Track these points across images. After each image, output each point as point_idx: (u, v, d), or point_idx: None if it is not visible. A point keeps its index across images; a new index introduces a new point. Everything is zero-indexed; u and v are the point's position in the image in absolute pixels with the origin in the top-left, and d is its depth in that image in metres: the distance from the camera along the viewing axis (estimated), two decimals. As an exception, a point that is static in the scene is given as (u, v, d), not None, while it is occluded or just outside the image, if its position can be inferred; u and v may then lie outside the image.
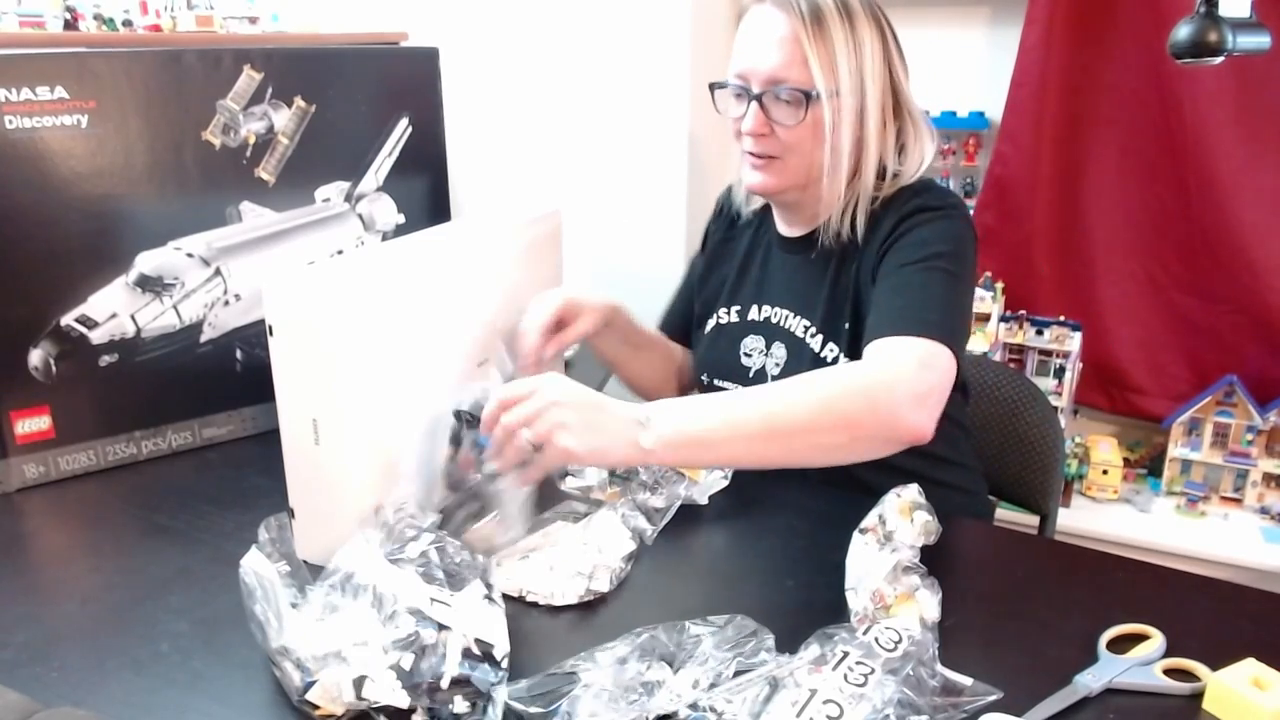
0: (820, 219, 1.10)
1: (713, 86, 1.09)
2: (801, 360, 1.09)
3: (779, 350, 1.13)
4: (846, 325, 1.07)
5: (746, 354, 1.15)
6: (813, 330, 1.10)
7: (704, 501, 1.04)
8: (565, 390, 0.85)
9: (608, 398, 0.86)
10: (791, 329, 1.12)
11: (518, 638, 0.77)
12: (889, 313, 0.97)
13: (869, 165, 1.05)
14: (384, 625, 0.71)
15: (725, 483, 1.05)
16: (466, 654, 0.71)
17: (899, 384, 0.87)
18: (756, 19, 1.04)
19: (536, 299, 1.08)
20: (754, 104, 1.03)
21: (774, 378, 1.11)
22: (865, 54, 1.02)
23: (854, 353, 1.04)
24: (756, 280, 1.18)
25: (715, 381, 1.18)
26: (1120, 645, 0.79)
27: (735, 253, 1.22)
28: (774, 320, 1.14)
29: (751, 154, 1.06)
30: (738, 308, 1.19)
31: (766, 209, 1.20)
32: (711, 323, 1.21)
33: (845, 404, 0.85)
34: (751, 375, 1.15)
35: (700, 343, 1.23)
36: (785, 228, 1.16)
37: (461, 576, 0.77)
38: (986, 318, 1.86)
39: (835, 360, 1.07)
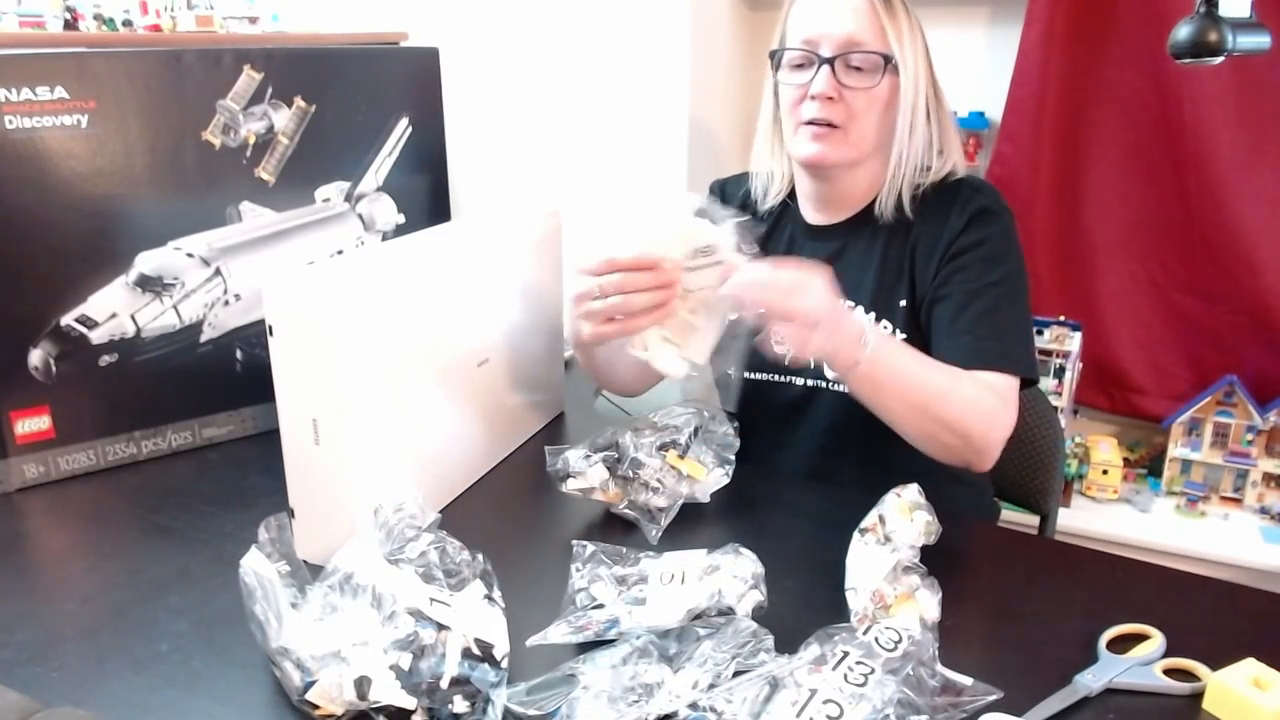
0: (864, 201, 1.13)
1: (773, 53, 1.10)
2: None
3: None
4: (902, 302, 1.09)
5: (779, 342, 1.15)
6: (861, 310, 1.11)
7: (705, 500, 1.04)
8: (824, 301, 0.91)
9: (845, 309, 0.94)
10: None
11: (518, 638, 0.77)
12: (981, 341, 1.03)
13: (915, 149, 1.08)
14: (383, 625, 0.71)
15: (726, 480, 1.05)
16: (466, 654, 0.71)
17: (1003, 421, 1.00)
18: None
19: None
20: (825, 67, 1.04)
21: (818, 362, 1.12)
22: (918, 36, 1.06)
23: (909, 328, 1.09)
24: None
25: (749, 374, 1.18)
26: (1120, 645, 0.79)
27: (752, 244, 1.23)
28: None
29: (814, 122, 1.06)
30: None
31: (787, 202, 1.20)
32: (734, 315, 1.21)
33: (972, 418, 0.97)
34: (788, 361, 1.14)
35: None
36: (816, 216, 1.17)
37: (462, 576, 0.77)
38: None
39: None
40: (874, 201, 1.12)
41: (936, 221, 1.08)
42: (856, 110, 1.05)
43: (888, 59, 1.03)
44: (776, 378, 1.15)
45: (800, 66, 1.06)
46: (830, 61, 1.03)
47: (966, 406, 0.97)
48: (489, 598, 0.77)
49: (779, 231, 1.20)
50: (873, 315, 1.10)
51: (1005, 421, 1.00)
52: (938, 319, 1.06)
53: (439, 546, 0.79)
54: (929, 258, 1.07)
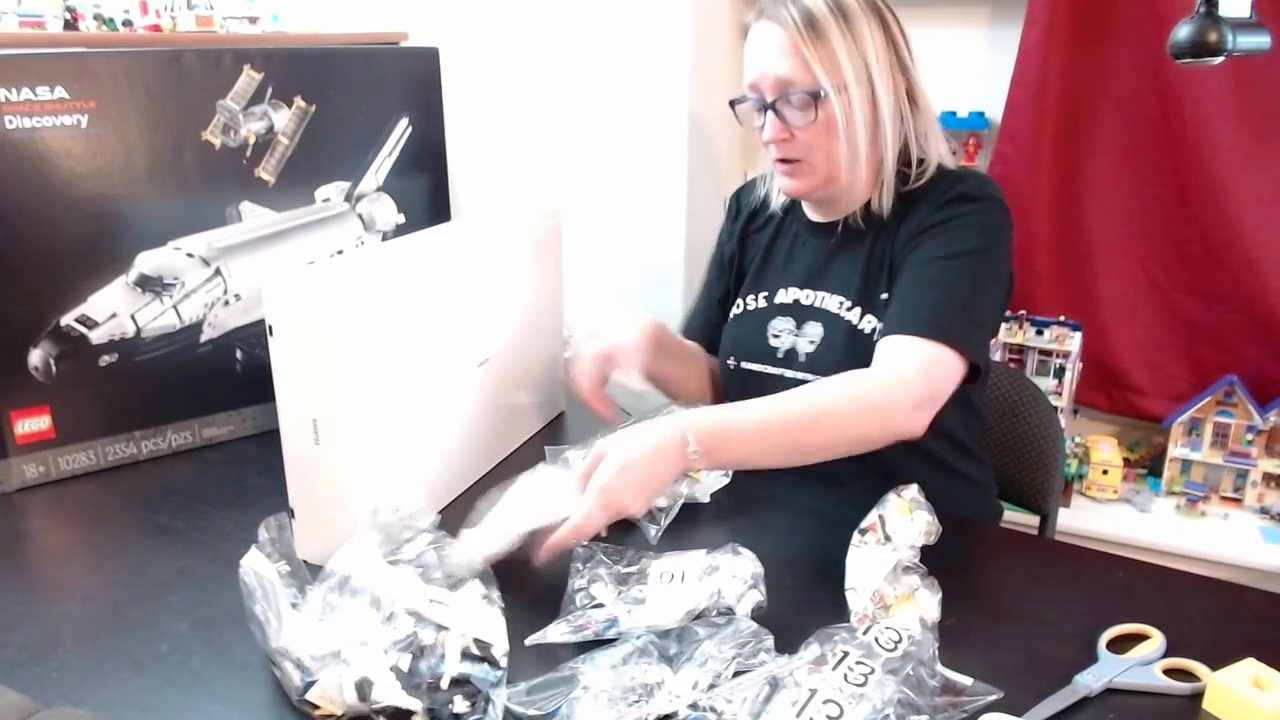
0: (862, 200, 1.14)
1: (733, 103, 1.14)
2: (838, 334, 1.13)
3: (813, 328, 1.15)
4: (884, 295, 1.10)
5: (774, 335, 1.18)
6: (848, 305, 1.13)
7: (706, 500, 1.04)
8: (614, 464, 0.88)
9: (656, 430, 0.90)
10: (826, 306, 1.15)
11: (517, 638, 0.77)
12: (906, 309, 1.03)
13: (890, 151, 1.09)
14: (383, 626, 0.71)
15: (726, 480, 1.05)
16: (466, 654, 0.71)
17: (900, 398, 0.96)
18: (757, 35, 1.09)
19: (580, 348, 1.15)
20: (769, 113, 1.08)
21: (807, 354, 1.15)
22: (866, 45, 1.05)
23: None
24: (783, 265, 1.22)
25: (743, 364, 1.20)
26: (1120, 645, 0.79)
27: (759, 243, 1.26)
28: (805, 301, 1.17)
29: (779, 160, 1.11)
30: (764, 293, 1.22)
31: (795, 200, 1.23)
32: (737, 309, 1.24)
33: (857, 425, 0.95)
34: (781, 355, 1.17)
35: (725, 329, 1.26)
36: (816, 216, 1.20)
37: (460, 577, 0.77)
38: (986, 318, 1.85)
39: (874, 331, 1.09)
40: (871, 201, 1.13)
41: (915, 215, 1.10)
42: (808, 142, 1.07)
43: (816, 95, 1.04)
44: (768, 369, 1.17)
45: (757, 110, 1.10)
46: (772, 105, 1.07)
47: (843, 422, 0.94)
48: (487, 598, 0.77)
49: (786, 228, 1.24)
50: (858, 310, 1.11)
51: (913, 394, 0.96)
52: (890, 295, 1.08)
53: (437, 547, 0.79)
54: (903, 247, 1.09)
